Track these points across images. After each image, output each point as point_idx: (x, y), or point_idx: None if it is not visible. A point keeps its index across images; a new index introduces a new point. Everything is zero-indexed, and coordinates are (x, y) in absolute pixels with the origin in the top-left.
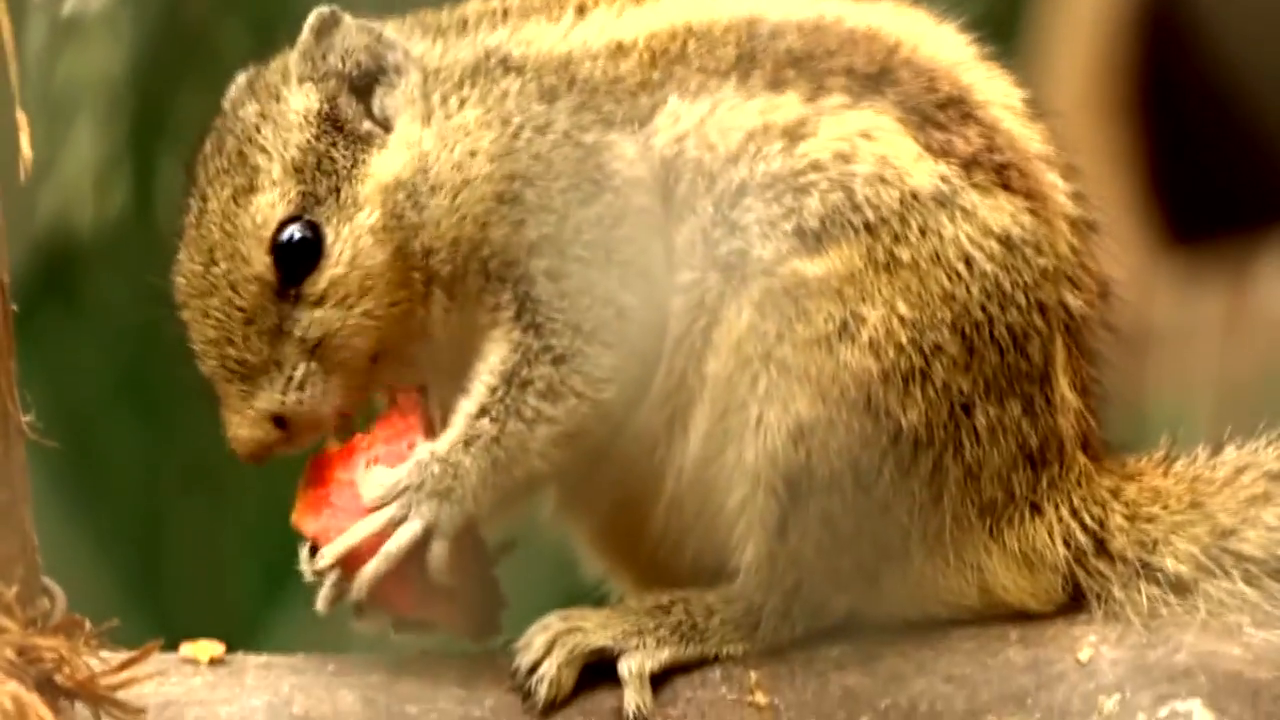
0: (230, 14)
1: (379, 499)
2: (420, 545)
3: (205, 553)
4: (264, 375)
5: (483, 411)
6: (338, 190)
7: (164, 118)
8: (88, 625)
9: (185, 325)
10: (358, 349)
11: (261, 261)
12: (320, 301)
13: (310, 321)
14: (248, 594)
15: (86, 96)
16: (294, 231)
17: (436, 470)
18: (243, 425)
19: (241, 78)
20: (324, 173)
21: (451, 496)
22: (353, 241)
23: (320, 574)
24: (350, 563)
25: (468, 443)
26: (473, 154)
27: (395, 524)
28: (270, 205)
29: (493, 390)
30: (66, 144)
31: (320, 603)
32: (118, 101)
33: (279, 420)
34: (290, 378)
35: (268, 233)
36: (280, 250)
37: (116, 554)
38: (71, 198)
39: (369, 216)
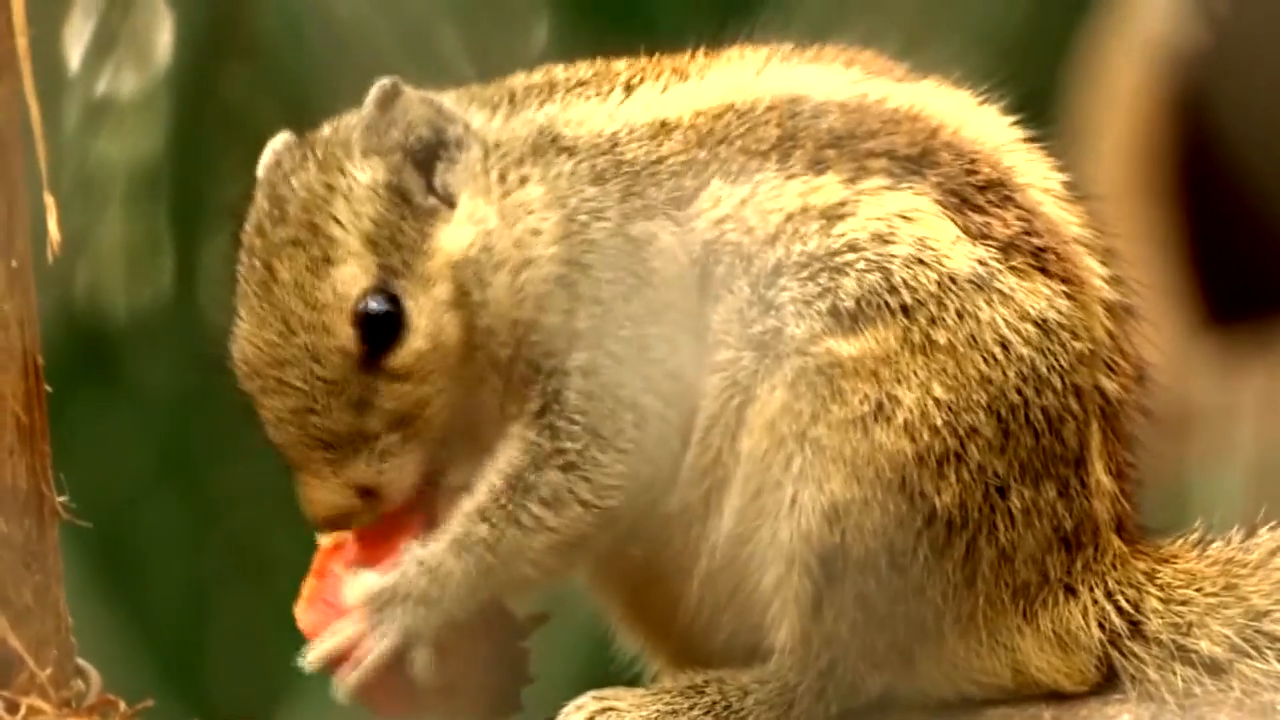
0: (266, 94)
1: (358, 603)
2: (401, 653)
3: (242, 633)
4: (349, 445)
5: (482, 516)
6: (410, 264)
7: (201, 197)
8: (123, 706)
9: (252, 395)
10: (437, 421)
11: (345, 333)
12: (404, 376)
13: (393, 394)
14: (284, 675)
15: (122, 176)
16: (376, 304)
17: (422, 581)
18: (326, 491)
19: (280, 145)
20: (396, 246)
21: (432, 603)
22: (432, 316)
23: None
24: (338, 664)
25: (460, 546)
26: (535, 233)
27: (374, 631)
28: (352, 277)
29: (495, 494)
30: (102, 224)
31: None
32: (154, 181)
33: (365, 491)
34: (375, 449)
35: (349, 304)
36: (364, 322)
37: (152, 634)
38: (107, 278)
39: (442, 291)
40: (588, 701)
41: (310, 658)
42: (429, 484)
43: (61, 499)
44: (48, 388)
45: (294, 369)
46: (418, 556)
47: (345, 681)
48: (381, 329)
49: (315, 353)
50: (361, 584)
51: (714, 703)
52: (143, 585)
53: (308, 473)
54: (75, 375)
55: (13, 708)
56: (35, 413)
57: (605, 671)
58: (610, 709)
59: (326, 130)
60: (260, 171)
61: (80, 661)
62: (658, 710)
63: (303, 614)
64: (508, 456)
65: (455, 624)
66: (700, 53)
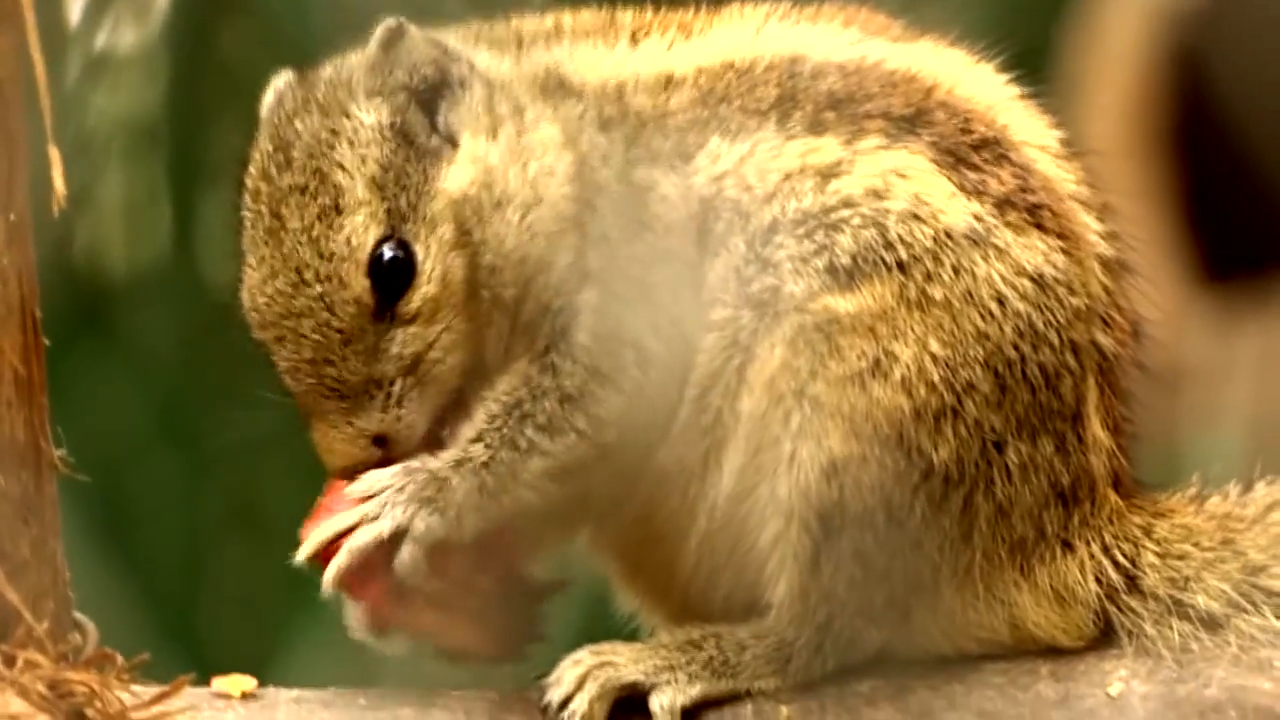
0: (265, 49)
1: (361, 493)
2: (391, 546)
3: (238, 586)
4: (364, 394)
5: (478, 437)
6: (415, 206)
7: (199, 153)
8: (119, 660)
9: (265, 345)
10: (450, 365)
11: (360, 284)
12: (415, 319)
13: (406, 339)
14: (281, 628)
15: (121, 132)
16: (390, 252)
17: (421, 478)
18: (341, 440)
19: (282, 85)
20: (402, 188)
21: (432, 505)
22: (441, 258)
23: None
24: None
25: (458, 463)
26: (550, 173)
27: (367, 520)
28: (363, 226)
29: (492, 418)
30: (101, 180)
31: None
32: (153, 137)
33: (378, 438)
34: (389, 395)
35: (364, 255)
36: (377, 273)
37: (149, 588)
38: (106, 233)
39: (447, 232)
40: (585, 656)
41: (303, 549)
42: (436, 435)
43: (59, 453)
44: (46, 341)
45: (308, 320)
46: (422, 462)
47: (331, 565)
48: (394, 277)
49: (329, 304)
50: (366, 478)
51: (711, 658)
52: (140, 539)
53: (323, 421)
54: (73, 329)
55: (10, 661)
56: (33, 366)
57: (603, 628)
58: (607, 663)
59: (329, 70)
60: (263, 112)
61: (77, 615)
62: (655, 664)
63: (307, 529)
64: (506, 387)
65: (452, 541)
66: (702, 9)
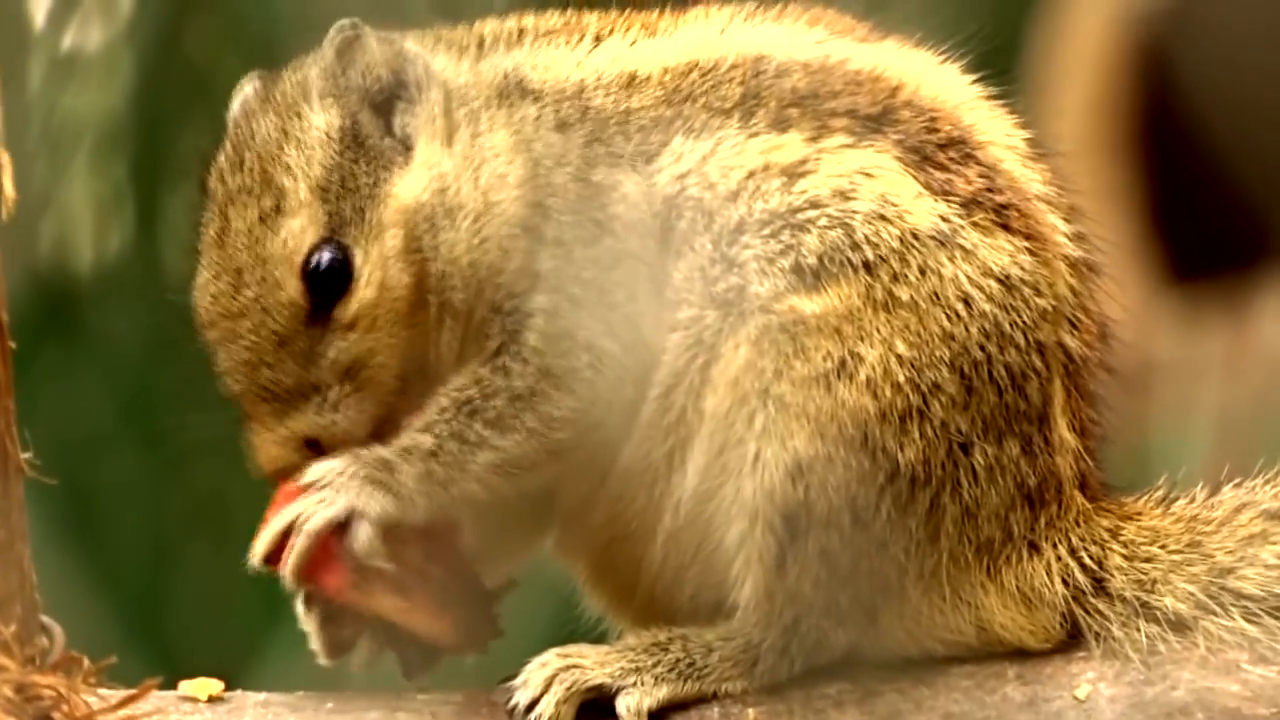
0: (230, 49)
1: (309, 481)
2: (344, 528)
3: (205, 590)
4: (298, 397)
5: (425, 428)
6: (362, 211)
7: (165, 153)
8: (86, 663)
9: (209, 345)
10: (387, 371)
11: (294, 287)
12: (352, 325)
13: (341, 346)
14: (247, 632)
15: (87, 132)
16: (325, 257)
17: (370, 460)
18: (273, 442)
19: (250, 87)
20: (348, 191)
21: (383, 487)
22: (381, 265)
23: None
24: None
25: (406, 451)
26: (501, 178)
27: (319, 505)
28: (300, 230)
29: (441, 410)
30: (66, 179)
31: (319, 652)
32: (118, 137)
33: (311, 442)
34: (324, 400)
35: (299, 258)
36: (312, 276)
37: (116, 591)
38: (71, 233)
39: (394, 239)
40: (551, 658)
41: (257, 547)
42: (387, 431)
43: (26, 455)
44: (12, 344)
45: (244, 321)
46: (373, 449)
47: (289, 550)
48: (330, 281)
49: (265, 306)
50: (313, 469)
51: (678, 660)
52: (107, 542)
53: (257, 424)
54: (40, 331)
55: None
56: (0, 368)
57: (570, 631)
58: (574, 666)
59: (289, 72)
60: (230, 114)
61: (44, 619)
62: (621, 667)
63: (260, 538)
64: (458, 383)
65: (406, 521)
66: (667, 9)
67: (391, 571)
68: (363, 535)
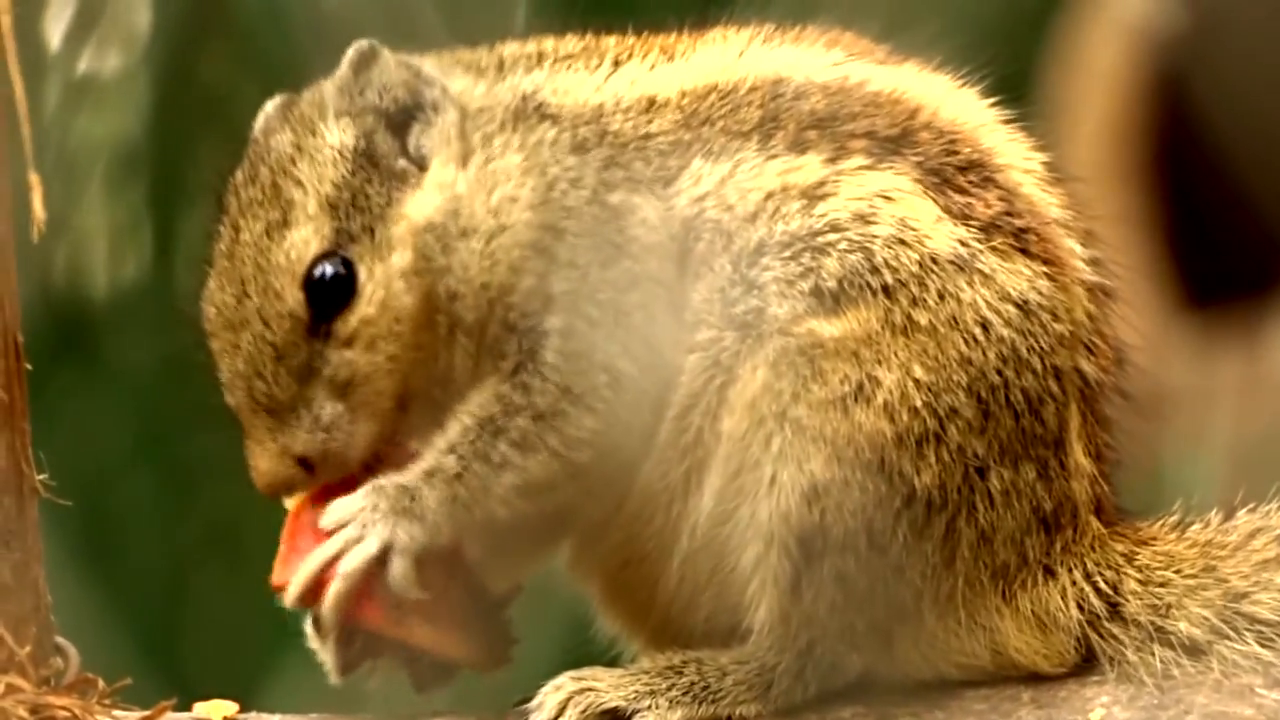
0: (247, 75)
1: (335, 522)
2: (380, 564)
3: (220, 611)
4: (291, 413)
5: (451, 449)
6: (371, 230)
7: (181, 178)
8: (101, 684)
9: (213, 355)
10: (385, 392)
11: (294, 297)
12: (350, 341)
13: (339, 362)
14: (262, 653)
15: (102, 156)
16: (328, 268)
17: (393, 492)
18: (266, 458)
19: (273, 104)
20: (358, 209)
21: (408, 515)
22: (385, 283)
23: (320, 635)
24: (316, 596)
25: (430, 474)
26: (513, 200)
27: (353, 544)
28: (304, 241)
29: (465, 430)
30: (82, 204)
31: (331, 672)
32: (133, 161)
33: (304, 460)
34: (317, 418)
35: (301, 268)
36: (313, 287)
37: (131, 613)
38: (87, 258)
39: (401, 258)
40: (565, 682)
41: (290, 592)
42: (397, 447)
43: (41, 477)
44: (28, 366)
45: (245, 332)
46: (391, 479)
47: (328, 596)
48: (331, 294)
49: (265, 316)
50: (335, 508)
51: (692, 683)
52: (122, 563)
53: (252, 438)
54: (55, 353)
55: None
56: (15, 390)
57: (584, 654)
58: (589, 689)
59: (309, 92)
60: (251, 132)
61: (59, 640)
62: (636, 690)
63: (280, 572)
64: (480, 401)
65: (435, 548)
66: (686, 33)
67: (425, 599)
68: (398, 569)
